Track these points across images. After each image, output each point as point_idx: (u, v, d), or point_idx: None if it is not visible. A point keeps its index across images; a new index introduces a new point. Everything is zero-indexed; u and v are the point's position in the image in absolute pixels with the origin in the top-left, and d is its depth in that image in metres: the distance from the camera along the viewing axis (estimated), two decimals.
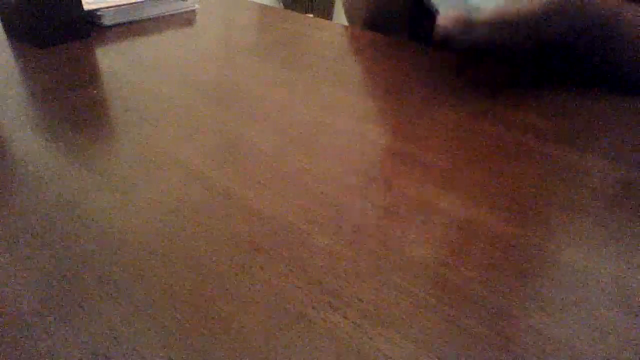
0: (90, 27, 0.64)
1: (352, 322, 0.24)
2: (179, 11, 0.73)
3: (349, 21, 0.73)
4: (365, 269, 0.27)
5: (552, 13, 0.41)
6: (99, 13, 0.65)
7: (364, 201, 0.32)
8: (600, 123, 0.42)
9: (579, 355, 0.22)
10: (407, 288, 0.26)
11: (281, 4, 2.74)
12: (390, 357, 0.22)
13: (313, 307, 0.24)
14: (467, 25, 0.40)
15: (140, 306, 0.24)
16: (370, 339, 0.23)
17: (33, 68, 0.53)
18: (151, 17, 0.71)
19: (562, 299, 0.25)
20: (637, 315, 0.24)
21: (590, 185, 0.34)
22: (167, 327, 0.23)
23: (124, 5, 0.67)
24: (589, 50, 0.48)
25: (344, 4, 0.72)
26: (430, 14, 0.44)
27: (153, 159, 0.37)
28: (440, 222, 0.30)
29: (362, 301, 0.25)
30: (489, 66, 0.54)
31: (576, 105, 0.45)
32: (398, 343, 0.23)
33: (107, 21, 0.66)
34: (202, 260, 0.27)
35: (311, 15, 0.71)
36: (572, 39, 0.46)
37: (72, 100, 0.45)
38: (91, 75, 0.51)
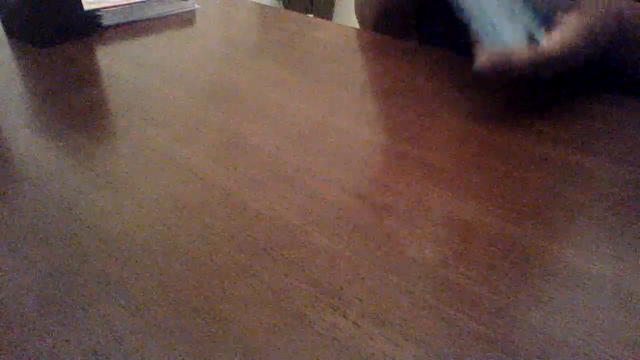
0: (90, 27, 0.64)
1: (352, 322, 0.24)
2: (179, 11, 0.73)
3: (360, 23, 0.73)
4: (365, 269, 0.27)
5: (595, 29, 0.40)
6: (99, 13, 0.65)
7: (364, 201, 0.32)
8: (601, 125, 0.42)
9: (578, 355, 0.22)
10: (407, 288, 0.26)
11: (281, 4, 2.74)
12: (390, 357, 0.22)
13: (313, 307, 0.24)
14: (513, 60, 0.39)
15: (140, 306, 0.24)
16: (370, 339, 0.23)
17: (33, 68, 0.53)
18: (151, 17, 0.71)
19: (562, 299, 0.25)
20: (637, 316, 0.24)
21: (590, 185, 0.34)
22: (167, 327, 0.23)
23: (124, 5, 0.67)
24: (605, 58, 0.47)
25: (355, 6, 0.72)
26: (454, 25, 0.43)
27: (153, 159, 0.37)
28: (440, 222, 0.30)
29: (362, 301, 0.25)
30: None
31: (578, 107, 0.45)
32: (398, 343, 0.23)
33: (107, 21, 0.66)
34: (202, 260, 0.27)
35: (311, 15, 0.71)
36: (602, 56, 0.45)
37: (72, 100, 0.45)
38: (91, 75, 0.51)
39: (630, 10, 0.44)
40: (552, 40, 0.39)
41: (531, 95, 0.47)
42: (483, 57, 0.39)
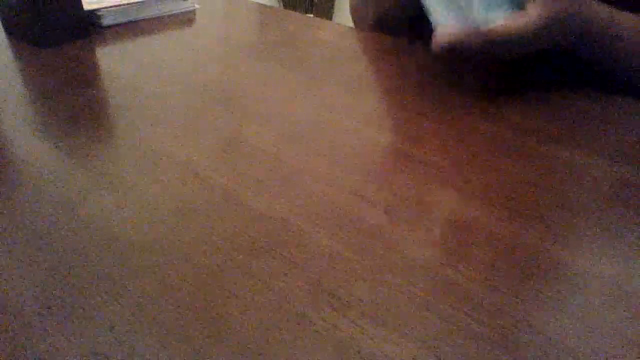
0: (90, 27, 0.64)
1: (352, 322, 0.24)
2: (179, 11, 0.73)
3: (355, 25, 0.73)
4: (365, 269, 0.27)
5: (553, 24, 0.41)
6: (99, 13, 0.65)
7: (363, 201, 0.32)
8: (599, 123, 0.42)
9: (578, 355, 0.22)
10: (407, 288, 0.26)
11: (281, 4, 2.74)
12: (390, 357, 0.22)
13: (313, 307, 0.24)
14: (467, 38, 0.40)
15: (140, 306, 0.24)
16: (370, 339, 0.23)
17: (33, 68, 0.53)
18: (151, 17, 0.71)
19: (562, 299, 0.25)
20: (637, 316, 0.24)
21: (591, 185, 0.34)
22: (167, 327, 0.23)
23: (124, 5, 0.67)
24: (588, 53, 0.48)
25: (350, 8, 0.72)
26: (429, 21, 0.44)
27: (153, 159, 0.37)
28: (440, 222, 0.30)
29: (362, 301, 0.25)
30: (488, 67, 0.54)
31: (575, 105, 0.45)
32: (398, 343, 0.23)
33: (107, 21, 0.66)
34: (202, 260, 0.27)
35: (311, 15, 0.71)
36: (572, 45, 0.46)
37: (72, 100, 0.45)
38: (91, 75, 0.51)
39: (599, 10, 0.45)
40: (508, 23, 0.39)
41: (533, 95, 0.47)
42: (437, 39, 0.40)
